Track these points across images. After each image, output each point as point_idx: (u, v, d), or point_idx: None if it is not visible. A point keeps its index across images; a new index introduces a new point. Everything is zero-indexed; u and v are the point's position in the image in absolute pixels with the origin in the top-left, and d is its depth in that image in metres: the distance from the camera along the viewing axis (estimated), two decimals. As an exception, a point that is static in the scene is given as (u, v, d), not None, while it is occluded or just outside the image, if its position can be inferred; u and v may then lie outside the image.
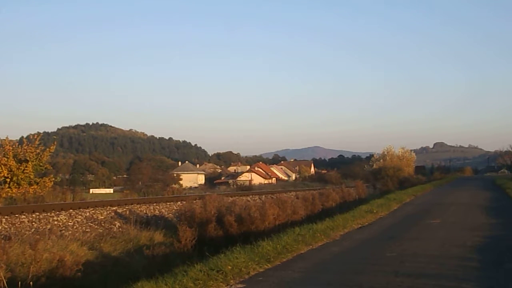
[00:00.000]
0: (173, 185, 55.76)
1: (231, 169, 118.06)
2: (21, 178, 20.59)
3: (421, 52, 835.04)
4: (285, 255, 8.99)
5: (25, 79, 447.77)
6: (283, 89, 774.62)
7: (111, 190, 74.63)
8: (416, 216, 16.92)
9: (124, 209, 16.10)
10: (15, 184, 20.42)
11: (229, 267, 7.49)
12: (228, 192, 32.93)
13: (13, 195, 19.67)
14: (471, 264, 7.99)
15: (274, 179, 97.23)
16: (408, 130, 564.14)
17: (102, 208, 15.75)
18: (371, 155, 75.13)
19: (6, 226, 12.01)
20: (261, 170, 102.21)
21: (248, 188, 43.58)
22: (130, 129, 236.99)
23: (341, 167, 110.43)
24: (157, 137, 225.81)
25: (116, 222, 14.34)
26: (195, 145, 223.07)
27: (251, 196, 25.93)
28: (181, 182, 78.55)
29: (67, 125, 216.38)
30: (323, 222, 13.22)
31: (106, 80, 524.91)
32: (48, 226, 12.40)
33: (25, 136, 46.88)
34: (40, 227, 12.23)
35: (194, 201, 14.27)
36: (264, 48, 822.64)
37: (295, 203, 15.79)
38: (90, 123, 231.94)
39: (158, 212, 16.83)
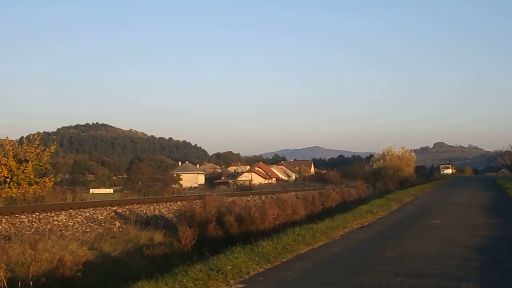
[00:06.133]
0: (173, 185, 55.73)
1: (231, 169, 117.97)
2: (21, 178, 20.57)
3: (421, 52, 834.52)
4: (285, 255, 8.99)
5: (25, 79, 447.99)
6: (283, 89, 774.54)
7: (111, 190, 74.61)
8: (416, 216, 16.93)
9: (124, 209, 16.09)
10: (15, 184, 20.39)
11: (229, 267, 7.49)
12: (228, 192, 32.92)
13: (13, 195, 19.64)
14: (471, 264, 7.99)
15: (274, 179, 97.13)
16: (408, 130, 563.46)
17: (102, 208, 15.73)
18: (371, 155, 75.10)
19: (6, 226, 11.99)
20: (261, 170, 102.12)
21: (248, 188, 43.55)
22: (130, 129, 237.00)
23: (341, 167, 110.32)
24: (157, 137, 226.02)
25: (116, 222, 14.33)
26: (195, 145, 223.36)
27: (251, 196, 25.91)
28: (181, 182, 78.55)
29: (67, 125, 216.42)
30: (323, 222, 13.23)
31: (106, 80, 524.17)
32: (48, 226, 12.39)
33: (25, 136, 46.85)
34: (40, 227, 12.22)
35: (194, 201, 14.26)
36: (264, 48, 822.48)
37: (295, 203, 15.78)
38: (90, 123, 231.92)
39: (158, 212, 16.82)
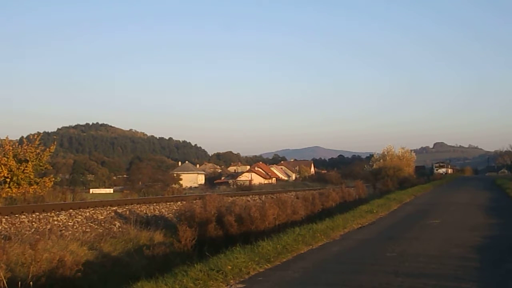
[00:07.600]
0: (173, 185, 55.79)
1: (231, 169, 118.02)
2: (21, 178, 20.58)
3: (421, 52, 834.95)
4: (285, 255, 8.98)
5: (25, 79, 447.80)
6: (283, 89, 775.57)
7: (111, 190, 74.52)
8: (416, 216, 16.92)
9: (124, 209, 16.10)
10: (15, 184, 20.41)
11: (229, 267, 7.49)
12: (228, 192, 32.95)
13: (13, 195, 19.66)
14: (471, 264, 7.99)
15: (274, 179, 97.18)
16: (408, 130, 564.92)
17: (102, 208, 15.75)
18: (371, 155, 75.15)
19: (6, 226, 12.00)
20: (261, 170, 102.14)
21: (248, 188, 43.61)
22: (130, 129, 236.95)
23: (341, 167, 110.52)
24: (157, 137, 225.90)
25: (116, 222, 14.34)
26: (195, 145, 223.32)
27: (251, 196, 25.93)
28: (181, 182, 78.58)
29: (67, 125, 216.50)
30: (323, 222, 13.22)
31: (106, 80, 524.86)
32: (48, 226, 12.40)
33: (25, 136, 46.88)
34: (40, 227, 12.23)
35: (194, 201, 14.27)
36: (263, 48, 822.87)
37: (295, 203, 15.78)
38: (90, 123, 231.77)
39: (158, 212, 16.83)
